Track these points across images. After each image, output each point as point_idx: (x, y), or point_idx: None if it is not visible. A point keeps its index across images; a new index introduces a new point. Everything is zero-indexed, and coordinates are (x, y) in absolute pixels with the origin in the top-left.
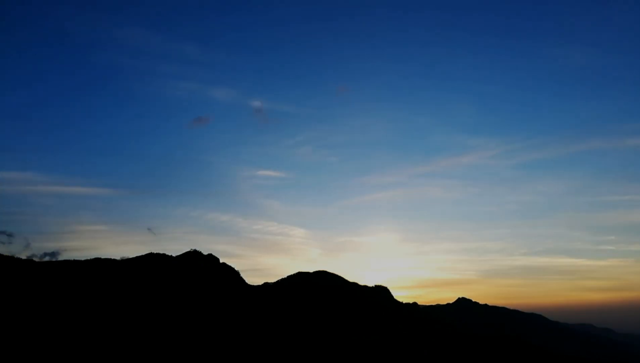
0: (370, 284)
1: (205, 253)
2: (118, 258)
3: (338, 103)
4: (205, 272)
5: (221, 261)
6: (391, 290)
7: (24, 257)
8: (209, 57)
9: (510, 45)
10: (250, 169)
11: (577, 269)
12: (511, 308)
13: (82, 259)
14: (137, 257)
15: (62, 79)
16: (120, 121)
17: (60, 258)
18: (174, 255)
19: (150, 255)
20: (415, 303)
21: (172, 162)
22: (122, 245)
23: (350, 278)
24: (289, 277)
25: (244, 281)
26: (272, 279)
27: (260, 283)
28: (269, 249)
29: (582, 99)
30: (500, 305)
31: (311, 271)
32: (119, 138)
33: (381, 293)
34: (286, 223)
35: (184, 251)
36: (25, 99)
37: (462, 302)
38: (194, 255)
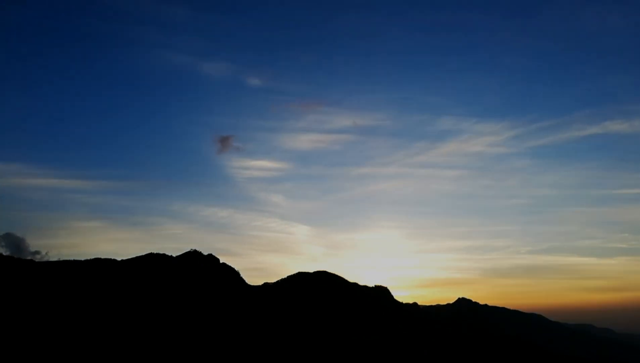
0: (371, 284)
1: (205, 252)
2: (114, 256)
3: (341, 82)
4: (205, 272)
5: (221, 261)
6: (392, 290)
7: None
8: (202, 24)
9: (521, 9)
10: (245, 160)
11: (583, 268)
12: (511, 308)
13: (82, 259)
14: (137, 257)
15: (46, 57)
16: (106, 105)
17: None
18: (173, 255)
19: (150, 255)
20: (415, 304)
21: (162, 151)
22: (116, 242)
23: (350, 277)
24: (289, 277)
25: (244, 281)
26: (272, 276)
27: (259, 282)
28: (267, 246)
29: (599, 74)
30: (500, 305)
31: (311, 271)
32: (105, 125)
33: (381, 293)
34: (286, 219)
35: (183, 251)
36: (7, 83)
37: (462, 302)
38: (194, 255)
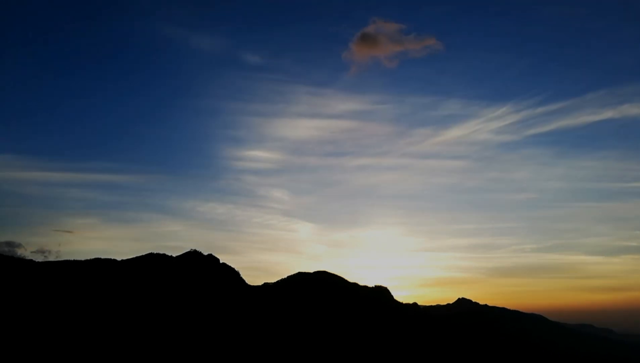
0: (371, 284)
1: (204, 252)
2: (111, 255)
3: (337, 62)
4: (205, 273)
5: (221, 260)
6: (392, 290)
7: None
8: None
9: None
10: (240, 149)
11: (589, 267)
12: (511, 308)
13: (82, 259)
14: (137, 257)
15: (38, 51)
16: (95, 95)
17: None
18: (173, 254)
19: (150, 255)
20: (415, 304)
21: (156, 142)
22: (112, 240)
23: (350, 277)
24: (289, 277)
25: (244, 281)
26: (273, 275)
27: (259, 282)
28: (267, 244)
29: (615, 50)
30: (501, 306)
31: (311, 271)
32: (94, 115)
33: (381, 293)
34: (286, 215)
35: (182, 250)
36: None
37: (462, 302)
38: (193, 255)
